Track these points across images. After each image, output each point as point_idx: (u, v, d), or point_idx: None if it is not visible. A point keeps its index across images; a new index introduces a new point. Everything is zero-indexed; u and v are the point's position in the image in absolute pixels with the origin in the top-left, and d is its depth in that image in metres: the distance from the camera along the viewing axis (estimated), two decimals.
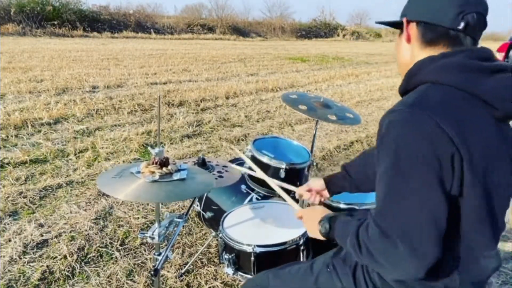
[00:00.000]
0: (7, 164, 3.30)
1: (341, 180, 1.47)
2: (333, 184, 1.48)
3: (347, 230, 1.01)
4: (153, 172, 1.24)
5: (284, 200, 1.49)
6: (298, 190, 1.56)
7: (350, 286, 1.11)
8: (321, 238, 1.14)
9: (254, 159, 2.01)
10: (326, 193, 1.51)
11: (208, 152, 3.98)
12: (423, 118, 0.86)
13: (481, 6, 0.97)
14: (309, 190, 1.52)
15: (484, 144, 0.89)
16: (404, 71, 1.09)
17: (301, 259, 1.46)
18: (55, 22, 16.68)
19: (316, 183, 1.52)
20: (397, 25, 1.11)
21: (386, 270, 0.91)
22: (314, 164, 2.16)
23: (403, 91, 1.05)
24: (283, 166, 1.92)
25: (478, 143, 0.87)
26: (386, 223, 0.87)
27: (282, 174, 1.92)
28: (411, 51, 1.06)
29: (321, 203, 1.56)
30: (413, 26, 1.03)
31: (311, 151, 2.14)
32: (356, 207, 1.78)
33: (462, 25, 0.96)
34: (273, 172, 1.95)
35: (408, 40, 1.05)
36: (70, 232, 2.43)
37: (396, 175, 0.87)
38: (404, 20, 1.04)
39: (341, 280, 1.13)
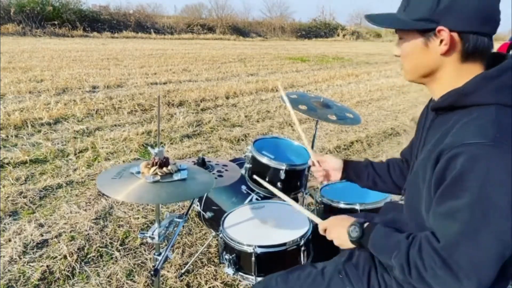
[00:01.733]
0: (7, 164, 3.30)
1: (362, 167, 1.44)
2: (352, 168, 1.46)
3: (388, 243, 1.00)
4: (156, 174, 1.24)
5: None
6: (314, 156, 1.53)
7: None
8: (350, 246, 1.12)
9: (254, 159, 2.01)
10: (336, 174, 1.48)
11: (208, 152, 3.97)
12: (509, 153, 0.82)
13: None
14: (319, 163, 1.50)
15: None
16: (419, 81, 1.03)
17: (302, 260, 1.46)
18: (55, 22, 16.67)
19: (332, 160, 1.48)
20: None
21: None
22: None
23: (447, 106, 0.97)
24: (283, 167, 1.92)
25: None
26: (455, 258, 0.85)
27: (282, 175, 1.92)
28: (444, 63, 0.96)
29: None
30: (455, 37, 0.91)
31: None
32: (357, 207, 1.78)
33: (496, 30, 0.93)
34: (273, 173, 1.95)
35: (447, 53, 0.93)
36: (70, 232, 2.43)
37: (475, 214, 0.83)
38: (446, 31, 0.91)
39: (354, 287, 1.12)
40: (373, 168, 1.43)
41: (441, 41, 0.93)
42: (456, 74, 0.96)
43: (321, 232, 1.25)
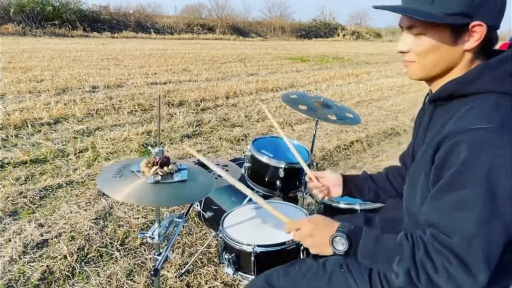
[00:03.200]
0: (7, 164, 3.30)
1: (362, 181, 1.42)
2: (352, 182, 1.43)
3: (385, 250, 0.93)
4: (156, 174, 1.24)
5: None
6: (311, 173, 1.50)
7: (366, 287, 1.09)
8: (329, 253, 1.02)
9: (253, 158, 2.01)
10: (337, 190, 1.45)
11: (208, 152, 3.98)
12: None
13: None
14: (317, 178, 1.48)
15: None
16: (432, 76, 0.99)
17: None
18: (55, 22, 16.66)
19: (331, 175, 1.46)
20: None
21: None
22: (314, 164, 2.16)
23: (449, 95, 0.95)
24: (282, 165, 1.92)
25: None
26: (470, 254, 0.82)
27: (281, 173, 1.93)
28: (463, 58, 0.95)
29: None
30: (484, 31, 0.90)
31: (311, 151, 2.14)
32: (357, 207, 1.78)
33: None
34: (273, 171, 1.95)
35: (474, 47, 0.92)
36: (70, 232, 2.43)
37: (488, 205, 0.81)
38: (483, 25, 0.89)
39: (356, 281, 1.11)
40: (372, 181, 1.41)
41: (469, 35, 0.91)
42: (467, 67, 0.96)
43: (287, 231, 1.14)
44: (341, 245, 0.98)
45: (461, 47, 0.93)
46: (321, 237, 1.03)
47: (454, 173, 0.83)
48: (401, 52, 1.00)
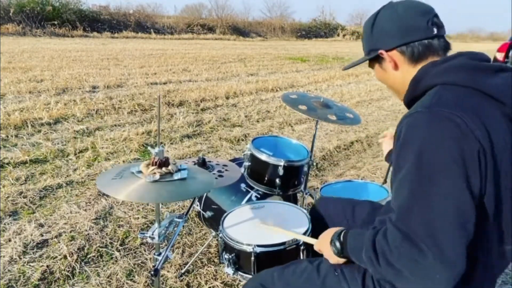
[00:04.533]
0: (7, 164, 3.30)
1: None
2: None
3: (360, 242, 0.98)
4: (154, 173, 1.24)
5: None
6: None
7: None
8: (342, 260, 1.11)
9: (253, 157, 2.01)
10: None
11: (208, 152, 3.98)
12: (445, 116, 0.85)
13: (432, 9, 1.05)
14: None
15: (501, 139, 0.87)
16: (402, 94, 1.11)
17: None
18: (55, 22, 16.68)
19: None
20: (370, 60, 1.15)
21: (410, 283, 0.84)
22: (314, 164, 2.16)
23: (410, 98, 1.06)
24: (282, 163, 1.92)
25: (497, 138, 0.86)
26: (410, 227, 0.83)
27: (281, 171, 1.93)
28: (402, 74, 1.09)
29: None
30: (394, 53, 1.06)
31: (311, 151, 2.14)
32: None
33: (435, 30, 1.02)
34: (272, 169, 1.95)
35: (396, 67, 1.08)
36: (70, 232, 2.43)
37: (421, 178, 0.84)
38: (383, 53, 1.07)
39: (349, 285, 1.11)
40: None
41: (388, 61, 1.08)
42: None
43: (318, 251, 1.26)
44: (335, 247, 1.10)
45: (390, 70, 1.10)
46: (325, 248, 1.17)
47: (396, 157, 0.92)
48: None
